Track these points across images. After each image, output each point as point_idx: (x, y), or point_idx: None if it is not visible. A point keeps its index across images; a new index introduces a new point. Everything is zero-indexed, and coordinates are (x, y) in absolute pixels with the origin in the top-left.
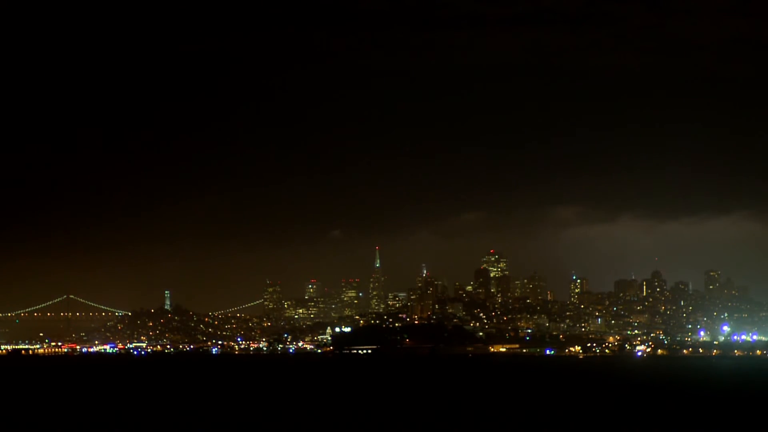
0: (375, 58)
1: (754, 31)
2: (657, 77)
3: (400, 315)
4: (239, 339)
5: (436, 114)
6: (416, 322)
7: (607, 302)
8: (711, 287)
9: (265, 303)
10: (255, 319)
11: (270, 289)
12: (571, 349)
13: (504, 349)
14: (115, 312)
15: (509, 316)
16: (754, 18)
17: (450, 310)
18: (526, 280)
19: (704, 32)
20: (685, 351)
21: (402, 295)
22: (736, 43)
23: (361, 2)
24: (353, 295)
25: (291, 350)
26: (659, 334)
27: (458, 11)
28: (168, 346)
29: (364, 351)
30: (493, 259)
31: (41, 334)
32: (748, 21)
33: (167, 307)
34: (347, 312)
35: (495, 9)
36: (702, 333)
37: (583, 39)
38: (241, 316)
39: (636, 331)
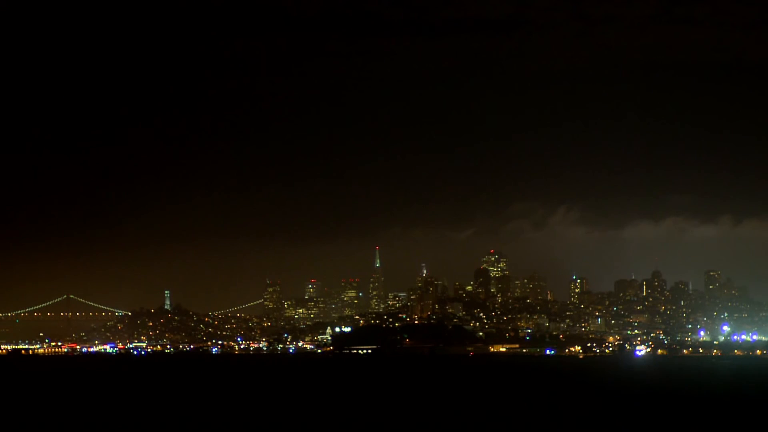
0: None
1: (679, 37)
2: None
3: (400, 315)
4: (239, 339)
5: (433, 114)
6: (416, 322)
7: (607, 302)
8: (711, 287)
9: (265, 303)
10: (255, 319)
11: (270, 289)
12: (571, 349)
13: (504, 349)
14: (115, 312)
15: (509, 316)
16: (678, 25)
17: (450, 310)
18: (526, 280)
19: (630, 39)
20: (685, 351)
21: (402, 295)
22: (662, 49)
23: (291, 10)
24: (353, 295)
25: (291, 350)
26: (659, 334)
27: (387, 19)
28: (168, 346)
29: (364, 351)
30: (493, 259)
31: (41, 334)
32: (673, 28)
33: (167, 307)
34: (347, 312)
35: (424, 16)
36: (702, 333)
37: (512, 46)
38: (241, 316)
39: (636, 331)
